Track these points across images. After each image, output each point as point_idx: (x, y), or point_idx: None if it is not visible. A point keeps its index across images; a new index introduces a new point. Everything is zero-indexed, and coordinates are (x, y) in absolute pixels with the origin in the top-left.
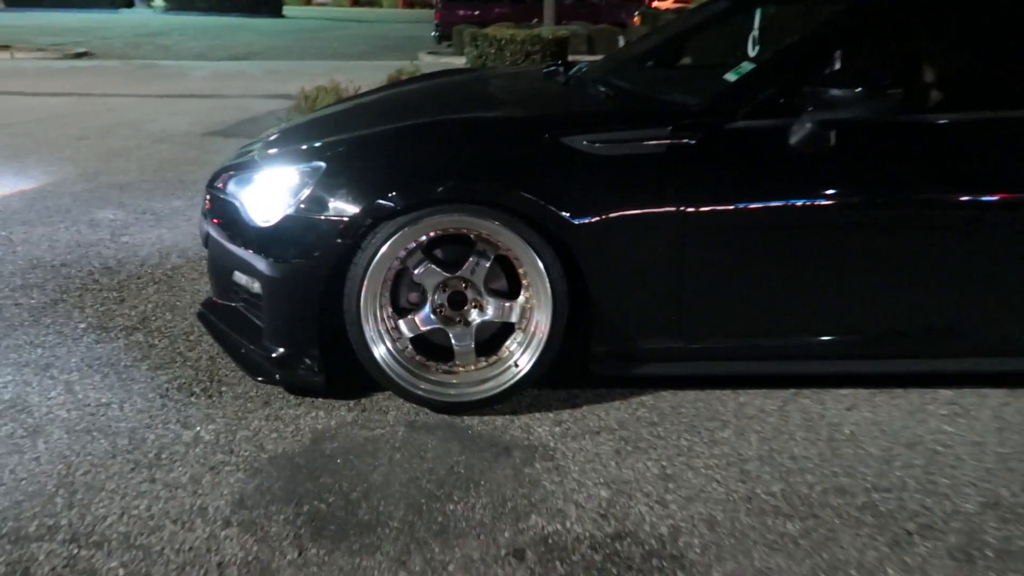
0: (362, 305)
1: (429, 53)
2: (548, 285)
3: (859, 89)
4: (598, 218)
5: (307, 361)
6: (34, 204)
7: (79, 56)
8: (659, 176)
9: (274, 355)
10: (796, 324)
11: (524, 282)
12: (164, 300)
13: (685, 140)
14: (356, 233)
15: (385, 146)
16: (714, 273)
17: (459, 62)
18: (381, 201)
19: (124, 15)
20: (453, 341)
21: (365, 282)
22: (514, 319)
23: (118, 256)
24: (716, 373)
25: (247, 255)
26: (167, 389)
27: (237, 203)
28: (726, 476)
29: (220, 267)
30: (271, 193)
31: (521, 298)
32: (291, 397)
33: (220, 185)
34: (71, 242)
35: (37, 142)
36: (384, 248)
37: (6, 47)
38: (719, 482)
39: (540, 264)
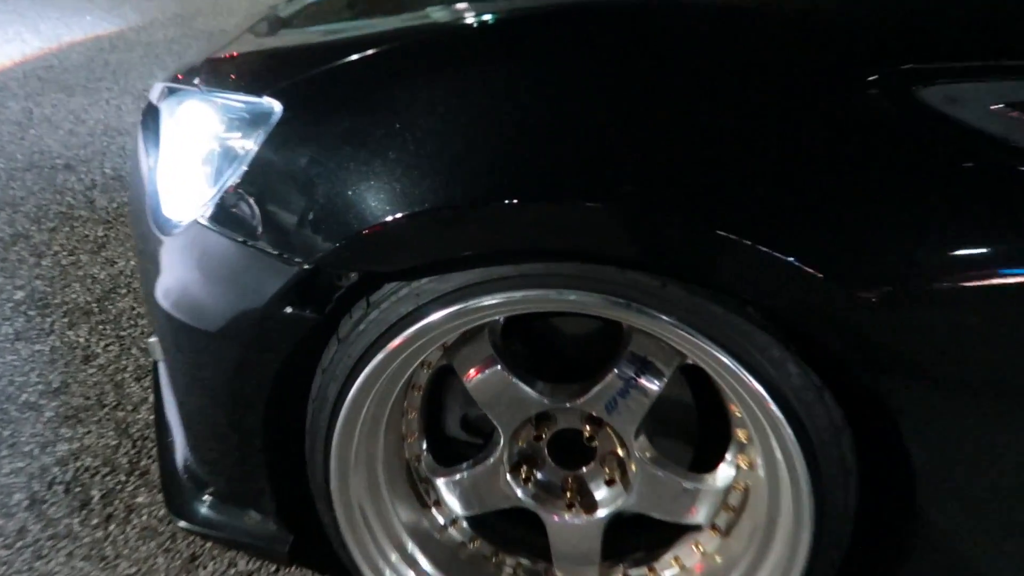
0: (336, 461)
1: None
2: (803, 468)
3: None
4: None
5: (253, 514)
6: (96, 58)
7: None
8: None
9: (202, 489)
10: None
11: (739, 435)
12: None
13: None
14: (325, 299)
15: (421, 74)
16: None
17: None
18: (380, 233)
19: None
20: (552, 537)
21: (342, 417)
22: (700, 519)
23: None
24: None
25: (148, 278)
26: (51, 484)
27: (151, 159)
28: None
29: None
30: (183, 160)
31: (724, 471)
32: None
33: (151, 111)
34: (99, 126)
35: None
36: (395, 343)
37: None
38: None
39: (787, 423)
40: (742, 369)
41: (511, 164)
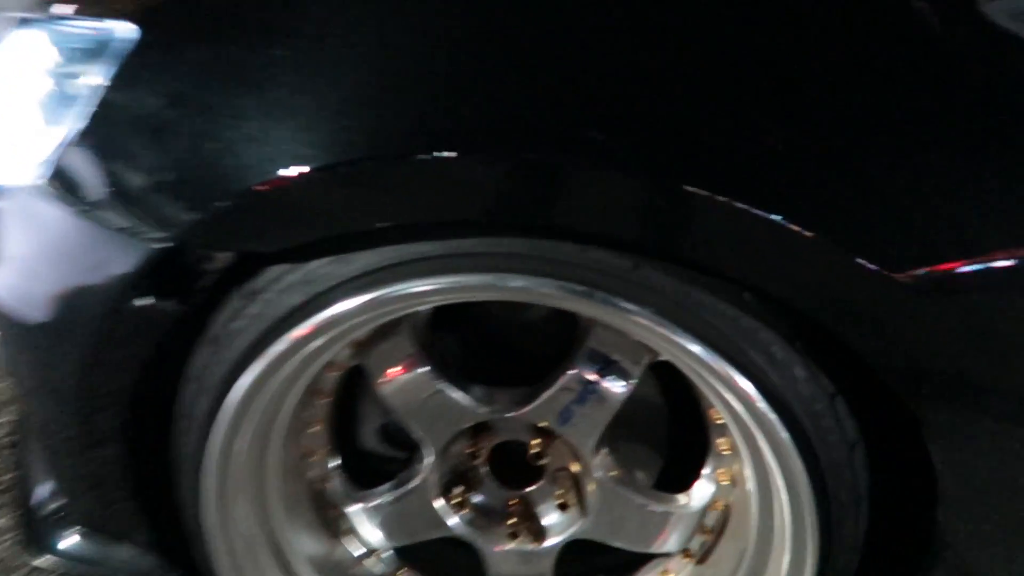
0: (211, 491)
1: None
2: (809, 492)
3: None
4: None
5: (126, 547)
6: None
7: None
8: None
9: (66, 517)
10: None
11: (720, 445)
12: None
13: None
14: (191, 289)
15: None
16: None
17: None
18: (261, 199)
19: None
20: (491, 570)
21: (217, 437)
22: (671, 546)
23: None
24: None
25: None
26: None
27: None
28: None
29: None
30: (9, 104)
31: (701, 489)
32: None
33: None
34: None
35: None
36: (283, 346)
37: None
38: None
39: (792, 439)
40: (737, 373)
41: (440, 104)
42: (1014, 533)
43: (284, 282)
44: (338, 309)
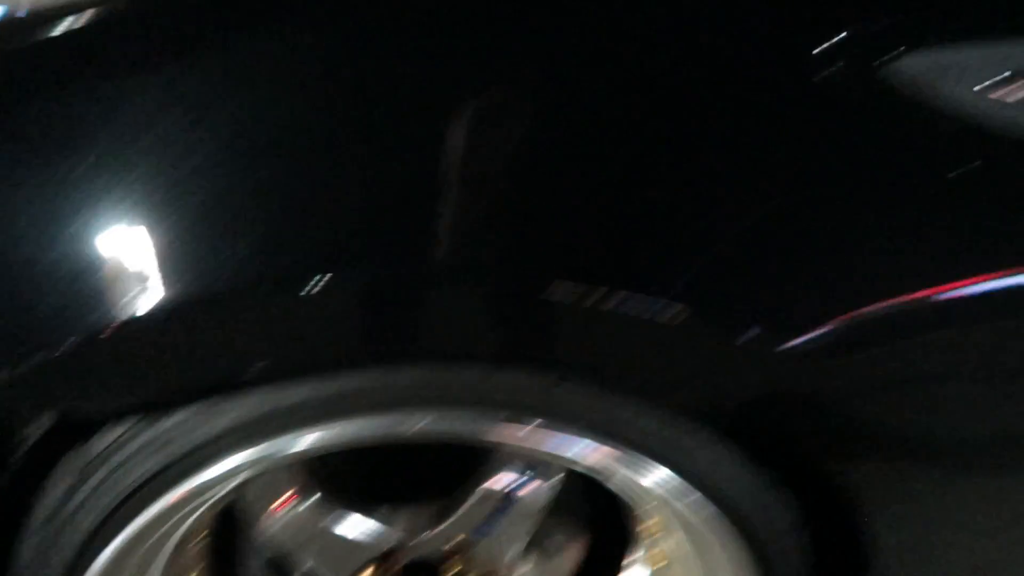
0: None
1: None
2: None
3: None
4: None
5: None
6: None
7: None
8: None
9: None
10: None
11: (647, 527)
12: None
13: None
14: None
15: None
16: None
17: None
18: (89, 344)
19: None
20: None
21: None
22: None
23: None
24: None
25: None
26: None
27: None
28: None
29: None
30: None
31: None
32: None
33: None
34: None
35: None
36: (135, 525)
37: None
38: None
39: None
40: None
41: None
42: None
43: (131, 447)
44: (204, 476)
